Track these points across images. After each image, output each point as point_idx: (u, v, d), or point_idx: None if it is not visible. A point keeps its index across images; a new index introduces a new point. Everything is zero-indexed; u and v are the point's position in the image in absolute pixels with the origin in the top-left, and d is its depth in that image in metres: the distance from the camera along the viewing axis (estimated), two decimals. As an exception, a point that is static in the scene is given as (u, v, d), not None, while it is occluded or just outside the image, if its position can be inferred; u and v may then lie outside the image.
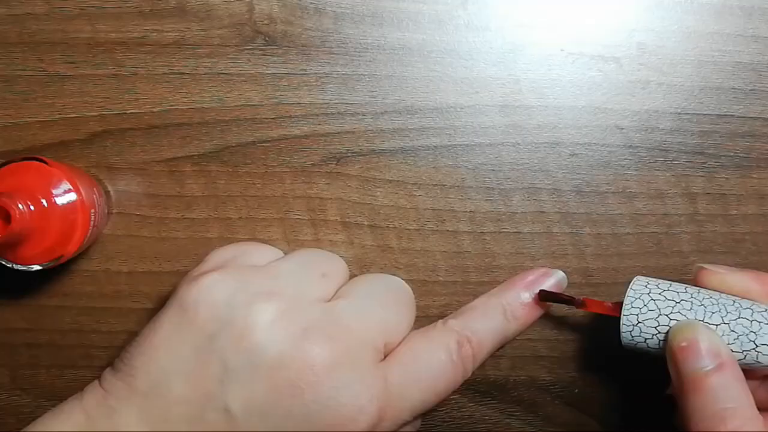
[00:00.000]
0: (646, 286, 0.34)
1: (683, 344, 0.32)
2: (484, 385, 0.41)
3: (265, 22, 0.38)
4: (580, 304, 0.36)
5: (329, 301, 0.35)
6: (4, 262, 0.34)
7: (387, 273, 0.40)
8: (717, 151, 0.39)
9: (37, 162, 0.34)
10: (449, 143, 0.39)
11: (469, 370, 0.36)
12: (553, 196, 0.39)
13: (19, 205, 0.32)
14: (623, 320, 0.34)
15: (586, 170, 0.39)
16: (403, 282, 0.39)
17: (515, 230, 0.40)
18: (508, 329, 0.37)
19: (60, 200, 0.34)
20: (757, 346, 0.32)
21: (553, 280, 0.38)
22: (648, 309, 0.33)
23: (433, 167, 0.39)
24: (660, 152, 0.39)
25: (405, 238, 0.40)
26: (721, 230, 0.39)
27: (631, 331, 0.34)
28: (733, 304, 0.33)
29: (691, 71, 0.39)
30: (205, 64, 0.38)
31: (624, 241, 0.40)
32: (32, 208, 0.33)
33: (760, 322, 0.32)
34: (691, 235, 0.40)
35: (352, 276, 0.39)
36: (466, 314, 0.37)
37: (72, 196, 0.34)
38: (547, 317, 0.39)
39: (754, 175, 0.39)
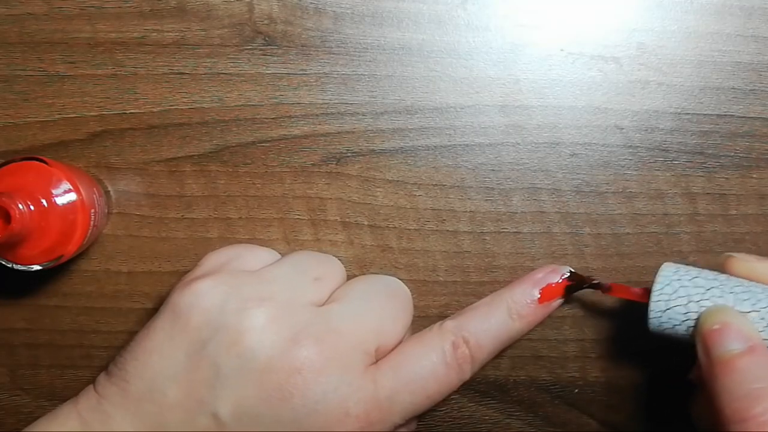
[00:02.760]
0: (675, 273, 0.34)
1: (715, 327, 0.32)
2: (484, 385, 0.41)
3: (265, 22, 0.38)
4: (606, 289, 0.36)
5: (324, 304, 0.35)
6: (4, 262, 0.34)
7: (387, 273, 0.40)
8: (717, 151, 0.39)
9: (37, 162, 0.34)
10: (449, 143, 0.39)
11: (466, 372, 0.35)
12: (553, 196, 0.39)
13: (19, 205, 0.32)
14: (652, 306, 0.34)
15: (586, 170, 0.39)
16: (401, 283, 0.39)
17: (515, 230, 0.40)
18: (512, 328, 0.36)
19: (60, 200, 0.34)
20: None
21: (561, 277, 0.38)
22: (678, 295, 0.33)
23: (433, 167, 0.39)
24: (660, 152, 0.39)
25: (405, 238, 0.40)
26: (721, 230, 0.39)
27: (659, 318, 0.34)
28: (763, 292, 0.33)
29: (691, 71, 0.39)
30: (205, 64, 0.38)
31: (624, 241, 0.40)
32: (32, 208, 0.33)
33: None
34: (691, 235, 0.40)
35: (351, 276, 0.39)
36: (466, 315, 0.37)
37: (72, 196, 0.34)
38: (546, 317, 0.39)
39: (754, 175, 0.39)
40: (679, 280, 0.34)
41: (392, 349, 0.35)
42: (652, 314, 0.34)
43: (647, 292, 0.34)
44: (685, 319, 0.33)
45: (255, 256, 0.37)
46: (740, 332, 0.31)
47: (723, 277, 0.34)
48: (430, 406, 0.35)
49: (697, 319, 0.33)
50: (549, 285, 0.37)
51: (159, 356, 0.33)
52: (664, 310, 0.33)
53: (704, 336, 0.32)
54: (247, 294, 0.33)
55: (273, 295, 0.33)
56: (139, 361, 0.33)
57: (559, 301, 0.38)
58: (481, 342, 0.35)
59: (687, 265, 0.35)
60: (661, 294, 0.34)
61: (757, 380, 0.30)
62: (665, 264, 0.35)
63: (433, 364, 0.34)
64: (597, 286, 0.37)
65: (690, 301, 0.33)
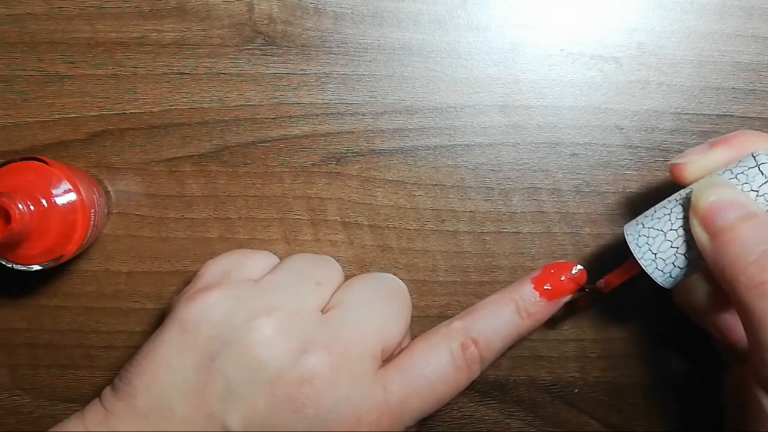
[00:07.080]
0: (635, 225, 0.34)
1: (711, 199, 0.31)
2: (484, 385, 0.41)
3: (265, 22, 0.38)
4: (604, 287, 0.36)
5: (326, 307, 0.35)
6: (4, 262, 0.34)
7: (387, 273, 0.40)
8: (717, 151, 0.39)
9: (37, 162, 0.34)
10: (449, 143, 0.39)
11: (475, 372, 0.35)
12: (553, 196, 0.39)
13: (19, 205, 0.32)
14: (646, 267, 0.33)
15: (586, 170, 0.39)
16: (398, 279, 0.38)
17: (515, 230, 0.40)
18: (520, 326, 0.36)
19: (60, 200, 0.34)
20: None
21: (570, 273, 0.37)
22: (652, 238, 0.33)
23: (433, 167, 0.39)
24: (660, 152, 0.39)
25: (405, 238, 0.40)
26: (721, 230, 0.39)
27: (662, 269, 0.33)
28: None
29: (691, 71, 0.39)
30: (205, 64, 0.38)
31: (624, 241, 0.39)
32: (32, 208, 0.33)
33: None
34: (691, 235, 0.39)
35: (350, 276, 0.39)
36: (473, 314, 0.36)
37: (72, 196, 0.34)
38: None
39: (754, 175, 0.39)
40: (643, 227, 0.33)
41: (396, 348, 0.35)
42: (655, 274, 0.33)
43: (633, 261, 0.33)
44: (675, 251, 0.32)
45: (255, 263, 0.36)
46: (736, 201, 0.30)
47: (669, 201, 0.33)
48: (440, 407, 0.34)
49: (685, 243, 0.32)
50: (559, 281, 0.36)
51: (167, 370, 0.32)
52: (654, 259, 0.33)
53: (702, 212, 0.31)
54: (254, 305, 0.33)
55: (279, 304, 0.33)
56: (146, 375, 0.32)
57: (568, 297, 0.37)
58: (490, 341, 0.35)
59: (638, 217, 0.34)
60: (641, 249, 0.33)
61: (764, 242, 0.29)
62: (625, 227, 0.34)
63: (442, 367, 0.34)
64: (598, 291, 0.36)
65: (666, 233, 0.32)
